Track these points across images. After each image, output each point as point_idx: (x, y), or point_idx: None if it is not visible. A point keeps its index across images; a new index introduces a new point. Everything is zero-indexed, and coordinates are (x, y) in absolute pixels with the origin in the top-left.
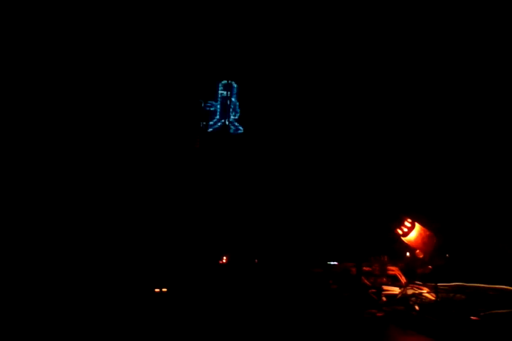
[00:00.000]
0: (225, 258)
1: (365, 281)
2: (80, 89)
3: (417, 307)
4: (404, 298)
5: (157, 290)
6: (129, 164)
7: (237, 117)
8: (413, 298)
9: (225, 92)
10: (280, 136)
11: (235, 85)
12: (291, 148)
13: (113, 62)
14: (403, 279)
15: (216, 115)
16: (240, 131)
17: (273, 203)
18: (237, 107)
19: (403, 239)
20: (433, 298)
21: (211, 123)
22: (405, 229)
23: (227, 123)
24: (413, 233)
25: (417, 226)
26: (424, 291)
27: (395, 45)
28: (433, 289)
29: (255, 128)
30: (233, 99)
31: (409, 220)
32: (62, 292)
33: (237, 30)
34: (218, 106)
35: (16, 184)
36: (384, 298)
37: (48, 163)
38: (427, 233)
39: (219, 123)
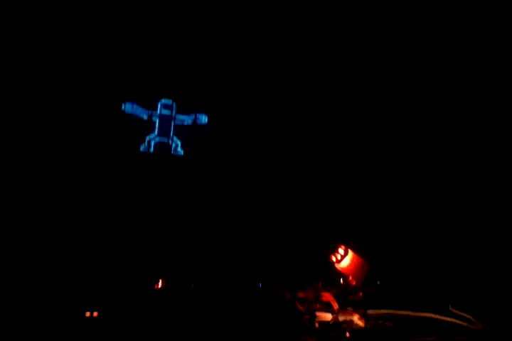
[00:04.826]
0: (160, 282)
1: (299, 307)
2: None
3: (347, 334)
4: (336, 324)
5: (88, 314)
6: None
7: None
8: (344, 325)
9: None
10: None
11: (174, 104)
12: (226, 171)
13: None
14: (336, 305)
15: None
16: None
17: (208, 225)
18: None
19: (337, 265)
20: (363, 325)
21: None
22: (339, 256)
23: (170, 142)
24: (346, 260)
25: (350, 253)
26: (355, 318)
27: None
28: (363, 316)
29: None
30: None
31: (343, 247)
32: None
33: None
34: (157, 123)
35: None
36: (317, 325)
37: None
38: (360, 260)
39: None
